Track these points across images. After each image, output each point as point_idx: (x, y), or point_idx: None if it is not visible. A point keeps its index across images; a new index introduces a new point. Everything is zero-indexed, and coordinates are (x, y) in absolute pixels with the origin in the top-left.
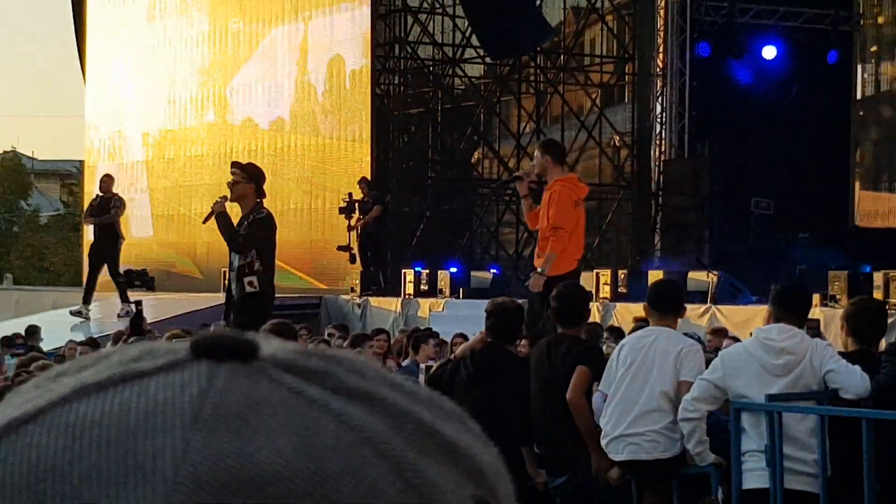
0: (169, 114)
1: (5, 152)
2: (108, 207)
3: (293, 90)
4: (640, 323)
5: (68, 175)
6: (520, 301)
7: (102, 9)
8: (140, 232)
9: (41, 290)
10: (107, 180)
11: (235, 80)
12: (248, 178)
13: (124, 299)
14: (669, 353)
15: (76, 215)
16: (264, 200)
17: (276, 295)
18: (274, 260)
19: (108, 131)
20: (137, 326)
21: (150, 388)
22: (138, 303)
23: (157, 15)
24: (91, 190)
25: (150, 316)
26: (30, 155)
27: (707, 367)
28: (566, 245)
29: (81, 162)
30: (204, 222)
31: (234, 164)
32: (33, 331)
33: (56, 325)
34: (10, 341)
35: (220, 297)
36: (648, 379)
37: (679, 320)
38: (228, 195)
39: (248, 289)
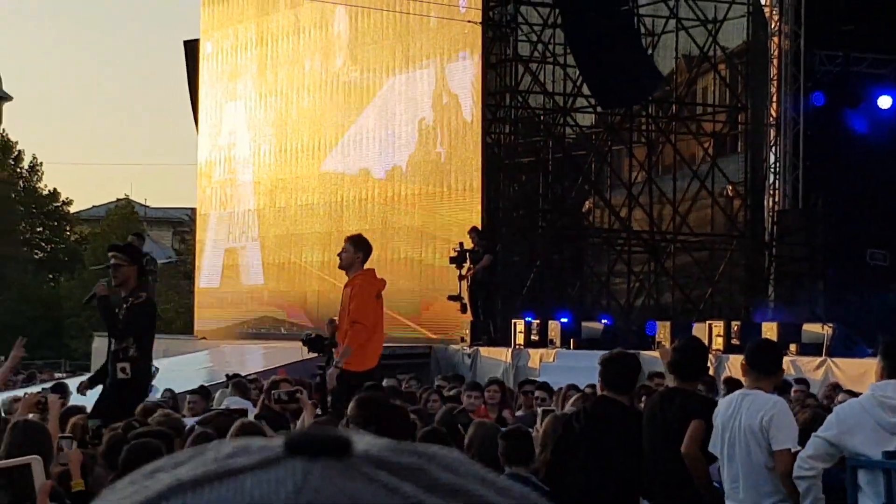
0: (280, 162)
1: (118, 200)
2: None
3: (405, 140)
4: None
5: (180, 223)
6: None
7: (215, 59)
8: (251, 280)
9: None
10: (134, 241)
11: (347, 129)
12: (129, 262)
13: None
14: (754, 426)
15: (188, 263)
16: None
17: (386, 344)
18: (151, 345)
19: (220, 179)
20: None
21: (246, 485)
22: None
23: (268, 64)
24: (203, 238)
25: (260, 365)
26: (142, 202)
27: (822, 424)
28: (365, 340)
29: (193, 209)
30: (85, 303)
31: (113, 248)
32: None
33: (168, 373)
34: None
35: None
36: (744, 452)
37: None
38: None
39: (120, 375)
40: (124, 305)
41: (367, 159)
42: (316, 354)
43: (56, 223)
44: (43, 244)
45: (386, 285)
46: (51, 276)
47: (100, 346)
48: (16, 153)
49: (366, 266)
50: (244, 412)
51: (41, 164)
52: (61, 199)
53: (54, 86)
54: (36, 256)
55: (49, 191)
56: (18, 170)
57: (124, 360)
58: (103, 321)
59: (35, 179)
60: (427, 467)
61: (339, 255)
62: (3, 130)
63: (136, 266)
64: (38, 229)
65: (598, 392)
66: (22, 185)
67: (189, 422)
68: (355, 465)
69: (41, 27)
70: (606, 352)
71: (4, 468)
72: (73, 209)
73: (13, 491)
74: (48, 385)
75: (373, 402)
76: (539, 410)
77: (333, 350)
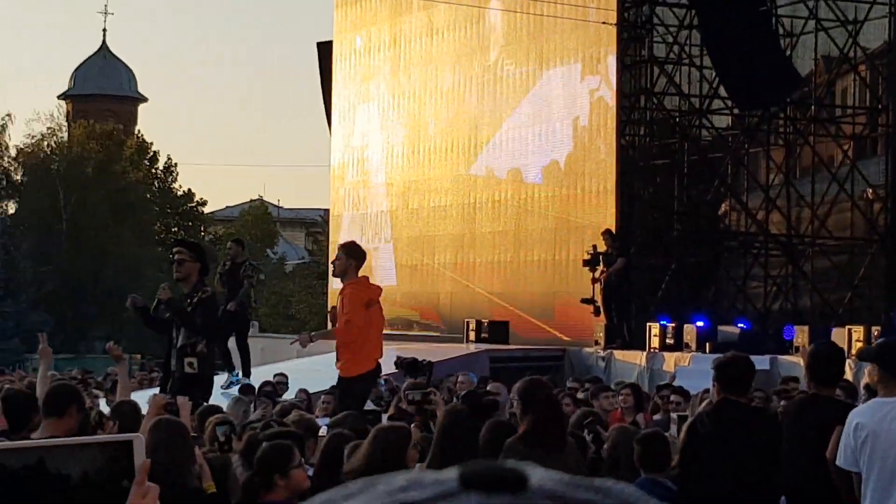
0: (413, 164)
1: (252, 201)
2: (239, 274)
3: (537, 141)
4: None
5: (313, 223)
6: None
7: (348, 60)
8: (383, 281)
9: (286, 338)
10: (232, 247)
11: (480, 131)
12: (194, 258)
13: (246, 372)
14: None
15: (321, 264)
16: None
17: (520, 346)
18: (217, 340)
19: (353, 181)
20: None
21: None
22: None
23: (401, 66)
24: (336, 239)
25: (392, 366)
26: (276, 203)
27: None
28: (354, 339)
29: (326, 211)
30: (153, 312)
31: (179, 243)
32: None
33: (302, 374)
34: (256, 389)
35: (462, 348)
36: None
37: None
38: (175, 274)
39: (188, 369)
40: (189, 301)
41: (496, 161)
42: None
43: (190, 223)
44: None
45: (381, 293)
46: None
47: (233, 346)
48: (151, 154)
49: (360, 274)
50: (377, 413)
51: (176, 164)
52: (196, 200)
53: (189, 87)
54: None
55: (184, 191)
56: (154, 170)
57: (192, 356)
58: (178, 321)
59: (170, 180)
60: (603, 503)
61: (332, 262)
62: (139, 132)
63: (199, 263)
64: (173, 229)
65: (715, 396)
66: (157, 186)
67: (322, 422)
68: (531, 500)
69: (177, 29)
70: (719, 356)
71: (106, 443)
72: (207, 209)
73: (112, 467)
74: None
75: (536, 384)
76: (674, 416)
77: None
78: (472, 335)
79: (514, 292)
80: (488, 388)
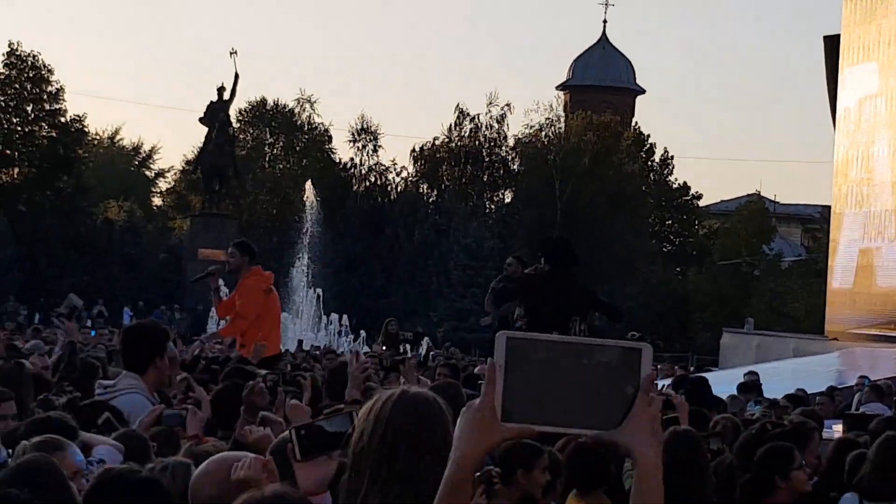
0: None
1: (749, 195)
2: None
3: None
4: None
5: (810, 220)
6: None
7: (857, 54)
8: (886, 281)
9: (782, 337)
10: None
11: None
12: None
13: None
14: None
15: (818, 261)
16: None
17: None
18: None
19: (857, 178)
20: None
21: None
22: None
23: None
24: (837, 237)
25: (891, 369)
26: (772, 198)
27: None
28: (248, 328)
29: (824, 207)
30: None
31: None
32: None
33: (796, 374)
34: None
35: None
36: None
37: None
38: None
39: None
40: None
41: None
42: None
43: (685, 216)
44: (671, 237)
45: (273, 279)
46: (678, 269)
47: (728, 342)
48: (648, 146)
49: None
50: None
51: (672, 157)
52: (691, 193)
53: (687, 79)
54: (664, 250)
55: (679, 184)
56: (650, 163)
57: None
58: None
59: (666, 173)
60: None
61: (226, 261)
62: (636, 123)
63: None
64: (668, 222)
65: None
66: (653, 179)
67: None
68: None
69: (675, 21)
70: None
71: (622, 347)
72: (702, 203)
73: (622, 369)
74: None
75: None
76: None
77: None
78: None
79: None
80: None
